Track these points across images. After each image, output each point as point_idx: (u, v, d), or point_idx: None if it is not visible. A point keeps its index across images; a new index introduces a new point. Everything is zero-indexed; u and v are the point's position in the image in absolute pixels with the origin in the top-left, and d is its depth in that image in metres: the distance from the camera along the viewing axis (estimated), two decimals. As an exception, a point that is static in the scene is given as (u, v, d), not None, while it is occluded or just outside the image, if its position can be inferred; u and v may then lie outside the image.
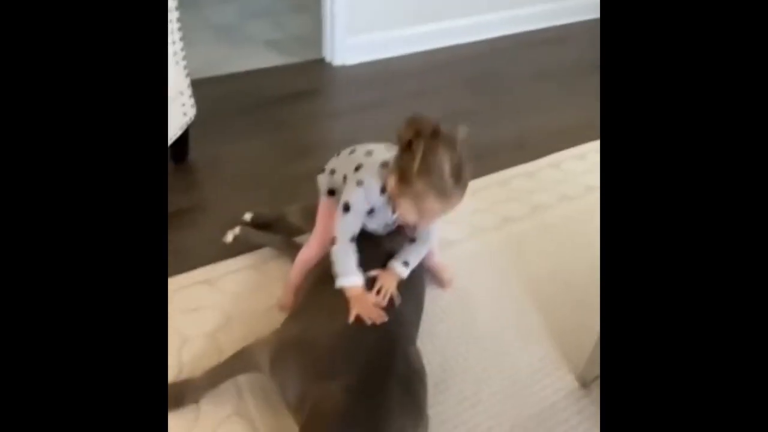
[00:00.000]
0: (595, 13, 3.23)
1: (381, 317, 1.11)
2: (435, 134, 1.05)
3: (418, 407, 1.05)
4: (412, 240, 1.31)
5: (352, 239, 1.20)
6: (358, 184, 1.18)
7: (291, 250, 1.50)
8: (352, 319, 1.11)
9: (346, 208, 1.18)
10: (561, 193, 1.92)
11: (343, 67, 2.61)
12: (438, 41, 2.81)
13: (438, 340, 1.38)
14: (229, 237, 1.54)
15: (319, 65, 2.63)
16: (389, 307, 1.16)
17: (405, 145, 1.07)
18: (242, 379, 1.22)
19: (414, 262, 1.28)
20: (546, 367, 1.35)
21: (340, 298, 1.16)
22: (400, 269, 1.25)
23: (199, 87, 1.92)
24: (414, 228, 1.30)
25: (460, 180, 1.07)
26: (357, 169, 1.22)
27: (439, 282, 1.51)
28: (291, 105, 2.31)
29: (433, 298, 1.46)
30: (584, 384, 1.31)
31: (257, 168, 1.94)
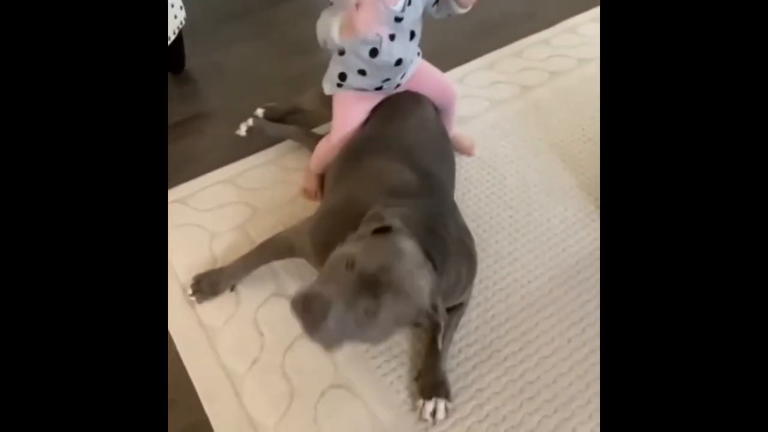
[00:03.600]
0: None
1: None
2: None
3: (470, 255, 1.07)
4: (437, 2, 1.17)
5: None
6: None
7: (309, 140, 1.46)
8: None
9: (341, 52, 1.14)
10: (578, 56, 1.82)
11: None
12: None
13: (469, 207, 1.36)
14: (243, 129, 1.49)
15: (307, -38, 2.46)
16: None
17: None
18: (276, 262, 1.22)
19: None
20: (581, 221, 1.33)
21: (375, 168, 1.12)
22: None
23: (186, -6, 1.81)
24: None
25: None
26: None
27: (462, 149, 1.46)
28: (282, 4, 2.18)
29: (459, 168, 1.42)
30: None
31: (258, 70, 1.85)
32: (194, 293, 1.16)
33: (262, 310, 1.16)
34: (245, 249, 1.22)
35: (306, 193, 1.38)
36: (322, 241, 1.00)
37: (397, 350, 1.09)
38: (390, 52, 1.15)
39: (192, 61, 1.86)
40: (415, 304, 0.84)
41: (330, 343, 0.84)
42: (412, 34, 1.18)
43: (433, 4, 1.17)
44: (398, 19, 1.13)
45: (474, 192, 1.40)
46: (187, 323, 1.14)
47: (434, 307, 0.87)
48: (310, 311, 0.80)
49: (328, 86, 1.30)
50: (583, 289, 1.19)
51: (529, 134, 1.55)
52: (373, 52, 1.15)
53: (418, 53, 1.30)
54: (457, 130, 1.46)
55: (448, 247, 0.97)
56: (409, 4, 1.13)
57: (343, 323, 0.80)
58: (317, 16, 1.15)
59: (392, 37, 1.15)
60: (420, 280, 0.85)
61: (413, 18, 1.15)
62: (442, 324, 0.91)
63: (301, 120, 1.56)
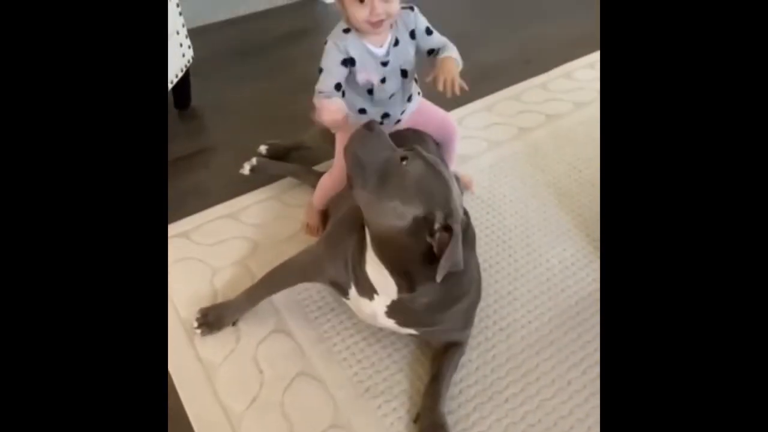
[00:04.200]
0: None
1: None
2: None
3: (479, 282, 1.12)
4: (432, 52, 1.21)
5: (336, 88, 1.15)
6: (325, 44, 1.16)
7: (310, 177, 1.48)
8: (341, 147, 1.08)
9: (319, 71, 1.17)
10: (574, 100, 1.88)
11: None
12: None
13: (467, 246, 1.37)
14: (246, 168, 1.51)
15: (313, 4, 2.55)
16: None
17: None
18: (277, 298, 1.22)
19: (456, 55, 1.18)
20: (579, 261, 1.34)
21: None
22: (453, 54, 1.16)
23: (195, 36, 1.87)
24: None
25: None
26: None
27: (460, 186, 1.49)
28: (289, 44, 2.25)
29: (457, 208, 1.44)
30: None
31: (263, 107, 1.90)
32: (200, 326, 1.16)
33: (262, 347, 1.15)
34: (246, 284, 1.22)
35: (308, 228, 1.39)
36: (337, 245, 1.05)
37: (397, 390, 1.08)
38: (383, 89, 1.21)
39: (199, 97, 1.90)
40: (444, 186, 0.90)
41: (356, 163, 0.93)
42: (404, 72, 1.23)
43: (429, 54, 1.22)
44: (384, 63, 1.18)
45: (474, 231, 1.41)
46: (185, 358, 1.13)
47: (453, 214, 0.88)
48: (371, 128, 0.95)
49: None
50: (582, 330, 1.19)
51: (527, 175, 1.58)
52: (370, 91, 1.21)
53: (419, 93, 1.34)
54: (455, 168, 1.49)
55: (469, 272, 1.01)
56: (396, 45, 1.18)
57: (381, 150, 0.93)
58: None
59: (383, 80, 1.20)
60: (453, 184, 0.93)
61: (403, 59, 1.20)
62: (457, 234, 0.87)
63: (304, 156, 1.59)
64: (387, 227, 0.91)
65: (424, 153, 0.94)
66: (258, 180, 1.54)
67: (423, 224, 0.88)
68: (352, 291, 1.05)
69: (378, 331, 1.18)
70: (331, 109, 1.07)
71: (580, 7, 2.44)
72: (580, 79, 1.98)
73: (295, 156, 1.60)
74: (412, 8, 1.19)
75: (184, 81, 1.81)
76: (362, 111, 1.25)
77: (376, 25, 1.10)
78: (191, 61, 1.78)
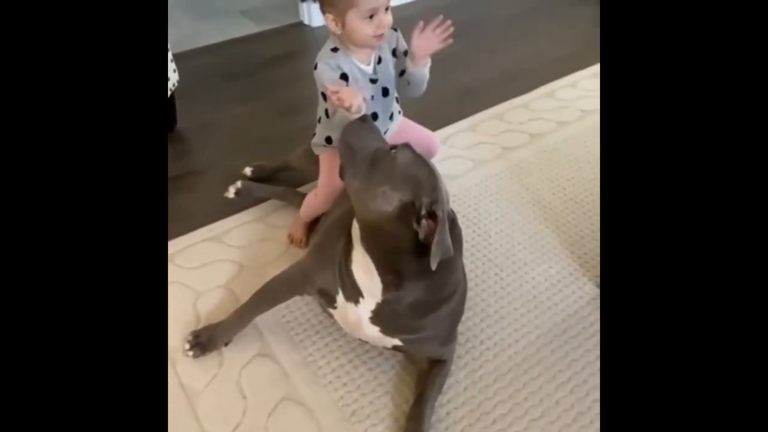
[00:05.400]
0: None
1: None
2: None
3: (464, 286, 1.13)
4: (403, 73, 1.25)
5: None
6: (315, 68, 1.20)
7: (296, 199, 1.48)
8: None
9: (322, 96, 1.22)
10: (557, 119, 1.90)
11: (323, 27, 2.56)
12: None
13: (453, 265, 1.37)
14: (231, 192, 1.50)
15: (298, 28, 2.58)
16: None
17: None
18: (261, 321, 1.21)
19: (425, 84, 1.25)
20: (565, 279, 1.34)
21: None
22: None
23: (181, 60, 1.88)
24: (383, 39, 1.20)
25: None
26: None
27: None
28: (275, 68, 2.27)
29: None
30: (604, 289, 1.31)
31: (248, 129, 1.90)
32: (192, 348, 1.14)
33: (245, 371, 1.13)
34: (230, 307, 1.21)
35: (292, 239, 1.40)
36: (326, 252, 1.06)
37: (383, 413, 1.07)
38: (368, 109, 1.22)
39: (185, 120, 1.90)
40: (431, 175, 0.92)
41: (348, 149, 0.96)
42: (385, 91, 1.26)
43: (401, 75, 1.25)
44: (373, 81, 1.21)
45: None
46: (167, 385, 1.10)
47: (438, 201, 0.89)
48: (365, 120, 1.00)
49: (316, 149, 1.35)
50: (569, 348, 1.19)
51: (512, 193, 1.59)
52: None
53: (399, 111, 1.36)
54: None
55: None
56: (379, 62, 1.21)
57: (372, 140, 0.97)
58: (312, 77, 1.22)
59: (372, 97, 1.23)
60: (439, 174, 0.94)
61: (386, 76, 1.24)
62: (443, 220, 0.87)
63: (289, 177, 1.59)
64: (376, 214, 0.91)
65: (413, 147, 0.96)
66: (243, 202, 1.53)
67: (410, 210, 0.89)
68: (339, 297, 1.04)
69: (364, 353, 1.16)
70: (351, 92, 1.08)
71: (561, 29, 2.50)
72: (563, 99, 2.01)
73: (281, 177, 1.60)
74: (395, 28, 1.23)
75: (170, 104, 1.82)
76: None
77: (380, 37, 1.15)
78: (176, 84, 1.79)
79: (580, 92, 2.05)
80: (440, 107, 1.93)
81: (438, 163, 1.66)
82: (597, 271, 1.36)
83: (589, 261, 1.39)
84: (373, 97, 1.23)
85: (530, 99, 2.00)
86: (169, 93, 1.76)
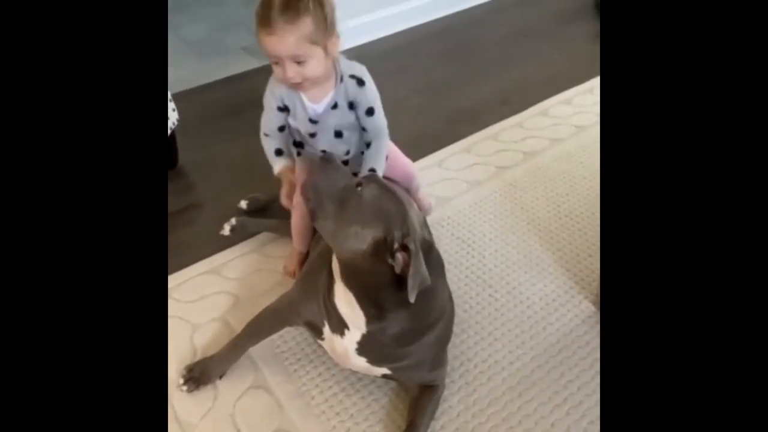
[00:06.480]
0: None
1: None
2: None
3: (452, 308, 1.14)
4: (368, 144, 1.26)
5: (279, 129, 1.26)
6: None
7: (288, 230, 1.50)
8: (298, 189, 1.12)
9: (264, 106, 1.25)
10: (551, 136, 1.90)
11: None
12: (406, 22, 2.82)
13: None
14: (226, 230, 1.54)
15: (297, 61, 2.64)
16: None
17: None
18: (255, 352, 1.22)
19: (380, 164, 1.24)
20: (560, 298, 1.33)
21: None
22: (376, 165, 1.23)
23: (185, 97, 1.94)
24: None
25: (288, 10, 1.03)
26: None
27: (420, 206, 1.47)
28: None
29: (437, 248, 1.44)
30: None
31: (248, 163, 1.93)
32: (186, 382, 1.15)
33: (239, 404, 1.14)
34: (226, 339, 1.22)
35: (288, 273, 1.41)
36: (310, 284, 1.07)
37: (376, 442, 1.06)
38: (314, 145, 1.27)
39: (187, 155, 1.95)
40: (399, 207, 0.92)
41: (315, 192, 0.95)
42: (339, 134, 1.24)
43: (363, 130, 1.25)
44: (313, 121, 1.21)
45: (454, 272, 1.41)
46: (163, 421, 1.11)
47: (410, 233, 0.88)
48: (328, 160, 1.00)
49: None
50: (565, 368, 1.17)
51: (506, 213, 1.59)
52: (301, 144, 1.30)
53: (368, 143, 1.29)
54: (422, 192, 1.50)
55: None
56: (335, 108, 1.20)
57: (338, 179, 0.96)
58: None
59: (313, 134, 1.24)
60: (409, 206, 0.95)
61: (338, 121, 1.22)
62: (416, 251, 0.87)
63: (282, 210, 1.61)
64: (351, 253, 0.92)
65: (378, 178, 0.97)
66: (239, 236, 1.56)
67: (383, 246, 0.89)
68: (326, 329, 1.05)
69: (356, 381, 1.16)
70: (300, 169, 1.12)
71: (553, 48, 2.51)
72: (556, 116, 2.01)
73: (275, 208, 1.63)
74: (362, 83, 1.19)
75: (171, 142, 1.87)
76: (299, 144, 1.32)
77: (296, 86, 1.14)
78: (176, 123, 1.85)
79: (576, 108, 2.05)
80: (435, 129, 1.95)
81: (432, 186, 1.70)
82: (593, 288, 1.34)
83: (584, 278, 1.37)
84: (314, 134, 1.23)
85: (524, 118, 2.01)
86: (169, 132, 1.82)
